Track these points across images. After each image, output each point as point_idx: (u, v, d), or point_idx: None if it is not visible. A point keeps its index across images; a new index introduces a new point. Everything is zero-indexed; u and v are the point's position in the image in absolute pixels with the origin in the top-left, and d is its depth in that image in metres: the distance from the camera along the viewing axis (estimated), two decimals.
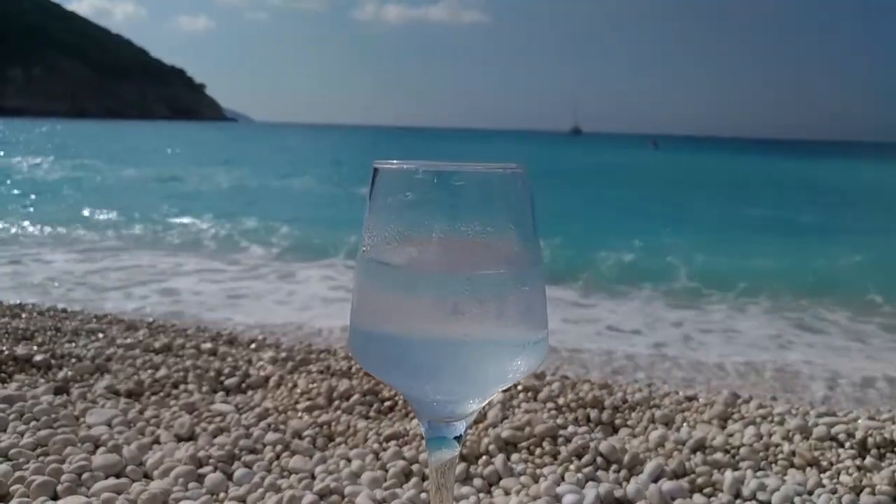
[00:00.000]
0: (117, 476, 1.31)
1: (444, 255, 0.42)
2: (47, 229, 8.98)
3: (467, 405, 0.46)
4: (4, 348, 2.03)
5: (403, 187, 0.44)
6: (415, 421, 1.62)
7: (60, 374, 1.88)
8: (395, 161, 0.44)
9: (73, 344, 2.21)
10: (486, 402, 0.48)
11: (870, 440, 1.53)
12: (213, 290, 5.64)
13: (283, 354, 2.23)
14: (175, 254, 7.44)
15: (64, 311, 3.04)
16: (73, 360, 2.01)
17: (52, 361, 1.99)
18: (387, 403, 1.76)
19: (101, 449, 1.40)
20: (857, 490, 1.33)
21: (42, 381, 1.84)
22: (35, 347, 2.11)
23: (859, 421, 1.63)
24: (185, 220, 10.48)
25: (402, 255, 0.43)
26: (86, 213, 10.62)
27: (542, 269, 0.46)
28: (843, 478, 1.37)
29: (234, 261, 7.08)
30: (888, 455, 1.49)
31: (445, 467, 0.49)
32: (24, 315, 2.76)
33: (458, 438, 0.48)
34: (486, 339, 0.43)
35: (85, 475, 1.29)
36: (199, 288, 5.72)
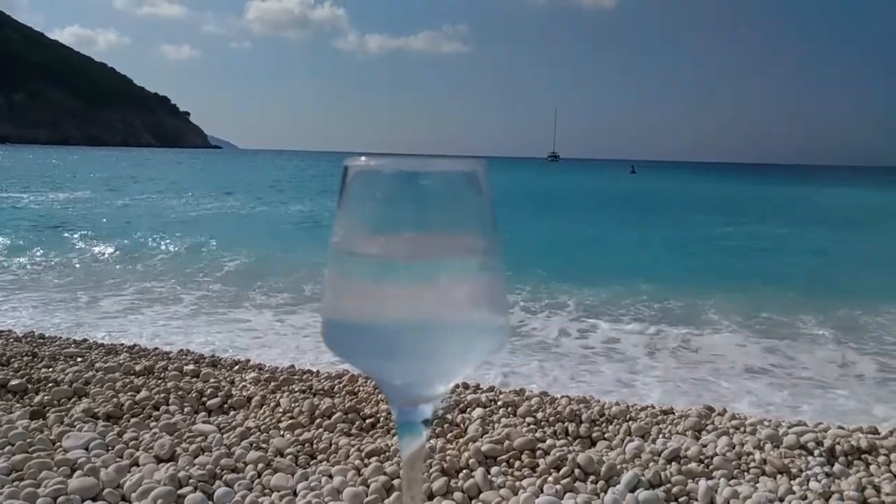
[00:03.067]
0: (94, 499, 1.31)
1: (408, 244, 0.47)
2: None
3: (433, 388, 0.50)
4: None
5: (371, 183, 0.49)
6: (396, 437, 1.63)
7: (37, 399, 1.86)
8: (363, 157, 0.49)
9: (51, 368, 2.19)
10: (452, 384, 0.53)
11: (838, 448, 1.58)
12: None
13: (266, 375, 2.23)
14: None
15: (41, 336, 3.00)
16: (51, 385, 1.99)
17: (29, 386, 1.96)
18: (368, 421, 1.77)
19: (78, 472, 1.39)
20: (826, 496, 1.37)
21: (18, 405, 1.81)
22: (11, 373, 2.09)
23: (828, 430, 1.68)
24: None
25: (368, 244, 0.48)
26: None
27: (501, 257, 0.50)
28: (813, 484, 1.41)
29: None
30: (856, 462, 1.54)
31: (414, 457, 0.53)
32: None
33: (425, 423, 0.53)
34: (448, 323, 0.48)
35: (60, 499, 1.28)
36: None
